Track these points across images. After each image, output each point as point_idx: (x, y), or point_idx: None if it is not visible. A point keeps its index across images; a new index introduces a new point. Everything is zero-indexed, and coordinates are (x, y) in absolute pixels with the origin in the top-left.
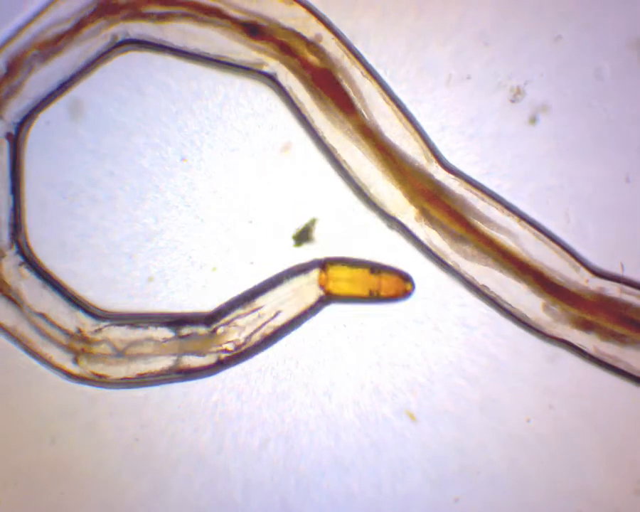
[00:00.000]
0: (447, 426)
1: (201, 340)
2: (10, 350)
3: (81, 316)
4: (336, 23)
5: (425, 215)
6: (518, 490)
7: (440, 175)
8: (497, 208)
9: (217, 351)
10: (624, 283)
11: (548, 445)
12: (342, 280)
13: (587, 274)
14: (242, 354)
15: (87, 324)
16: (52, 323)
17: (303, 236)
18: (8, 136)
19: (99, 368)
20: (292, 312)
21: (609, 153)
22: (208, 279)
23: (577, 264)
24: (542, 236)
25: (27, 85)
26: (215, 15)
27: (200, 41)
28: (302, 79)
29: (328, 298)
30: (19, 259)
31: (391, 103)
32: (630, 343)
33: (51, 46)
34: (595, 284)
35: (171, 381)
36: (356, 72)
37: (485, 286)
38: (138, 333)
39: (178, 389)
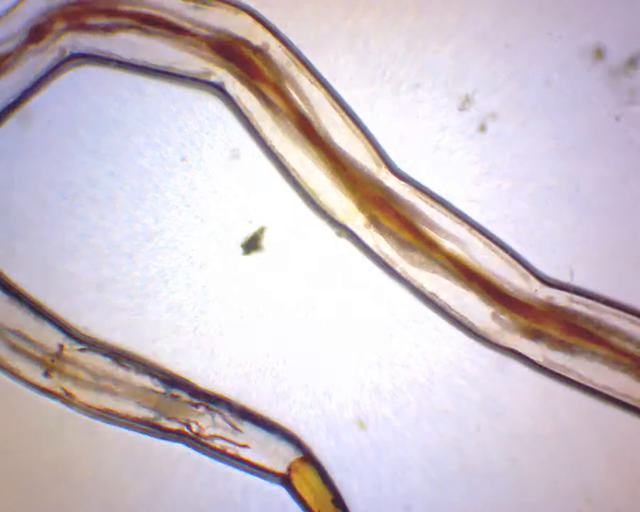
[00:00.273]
0: (447, 426)
1: (179, 405)
2: None
3: (57, 333)
4: (331, 24)
5: (374, 221)
6: (518, 490)
7: (390, 181)
8: (446, 215)
9: (183, 424)
10: (573, 292)
11: (548, 445)
12: (307, 483)
13: (536, 283)
14: (195, 442)
15: (67, 343)
16: (27, 338)
17: (252, 244)
18: None
19: (69, 386)
20: (255, 458)
21: (609, 153)
22: (207, 279)
23: (527, 273)
24: (491, 244)
25: None
26: (160, 26)
27: (147, 52)
28: (250, 87)
29: (285, 481)
30: None
31: (340, 110)
32: (579, 352)
33: None
34: (544, 292)
35: (130, 428)
36: (304, 80)
37: (434, 293)
38: (118, 371)
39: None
